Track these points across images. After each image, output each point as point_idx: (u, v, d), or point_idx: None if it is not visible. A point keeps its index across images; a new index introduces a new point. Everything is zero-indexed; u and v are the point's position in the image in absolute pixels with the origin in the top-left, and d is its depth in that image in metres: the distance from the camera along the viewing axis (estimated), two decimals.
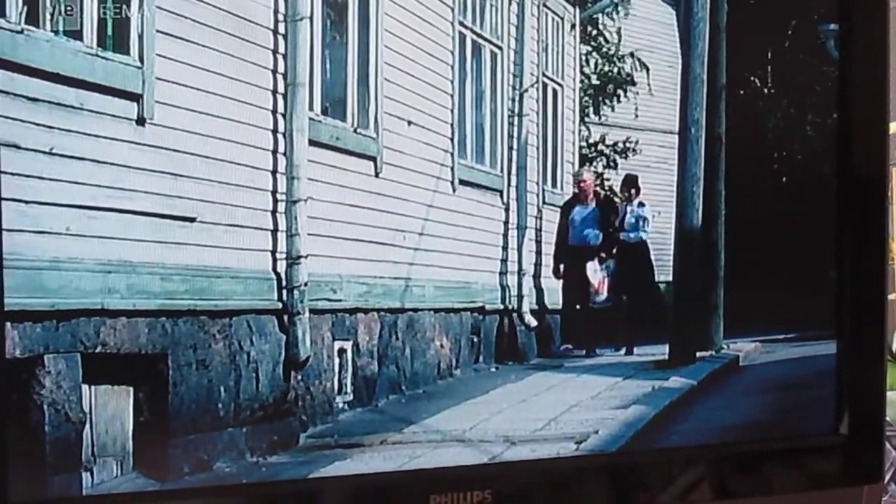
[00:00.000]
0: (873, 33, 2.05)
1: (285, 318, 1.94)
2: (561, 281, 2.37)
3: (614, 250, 2.37)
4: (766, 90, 2.22)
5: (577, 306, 2.34)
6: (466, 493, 1.82)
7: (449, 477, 1.84)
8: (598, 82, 2.33)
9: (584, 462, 1.97)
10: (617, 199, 2.37)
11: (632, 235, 2.35)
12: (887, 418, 2.16)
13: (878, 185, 2.08)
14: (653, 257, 2.31)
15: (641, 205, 2.34)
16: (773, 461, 2.08)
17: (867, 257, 2.09)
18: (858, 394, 2.09)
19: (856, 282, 2.08)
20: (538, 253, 2.38)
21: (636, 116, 2.33)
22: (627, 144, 2.29)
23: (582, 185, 2.36)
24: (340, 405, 2.01)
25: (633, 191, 2.36)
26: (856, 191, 2.08)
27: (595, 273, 2.35)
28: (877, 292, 2.09)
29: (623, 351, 2.31)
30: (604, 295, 2.33)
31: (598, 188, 2.36)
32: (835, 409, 2.09)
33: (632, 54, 2.26)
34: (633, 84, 2.30)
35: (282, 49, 1.93)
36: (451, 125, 2.22)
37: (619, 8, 2.22)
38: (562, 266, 2.38)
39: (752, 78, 2.23)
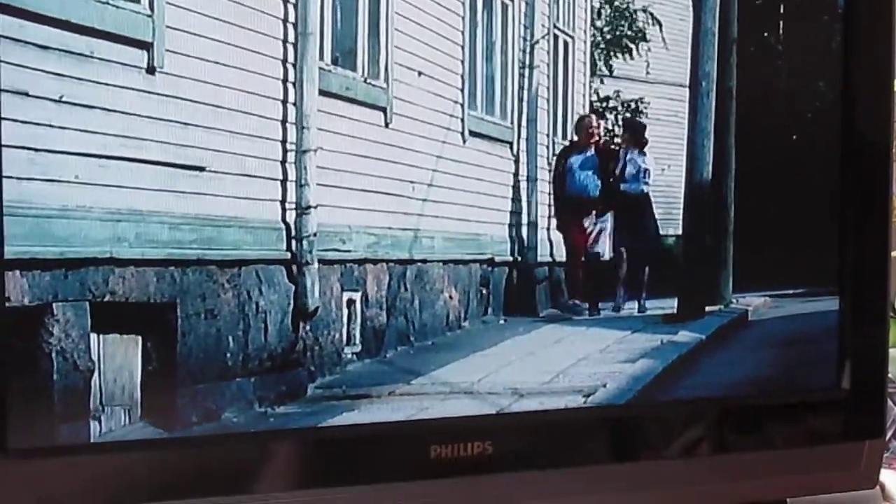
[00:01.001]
0: None
1: (294, 268, 1.93)
2: (561, 234, 2.33)
3: (612, 202, 2.31)
4: (777, 45, 2.19)
5: (580, 259, 2.31)
6: (467, 443, 1.82)
7: (449, 428, 1.84)
8: (609, 36, 2.31)
9: (585, 414, 1.97)
10: (616, 147, 2.31)
11: (632, 187, 2.30)
12: (889, 374, 2.15)
13: (881, 142, 2.06)
14: (656, 210, 2.27)
15: (643, 154, 2.29)
16: (774, 416, 2.08)
17: (869, 214, 2.08)
18: (860, 350, 2.08)
19: (858, 238, 2.07)
20: (548, 205, 2.36)
21: (647, 72, 2.31)
22: (640, 104, 2.27)
23: (586, 130, 2.29)
24: (349, 356, 2.00)
25: (635, 139, 2.30)
26: (858, 147, 2.07)
27: (590, 226, 2.30)
28: (879, 249, 2.08)
29: (636, 307, 2.28)
30: (600, 248, 2.30)
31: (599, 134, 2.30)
32: (836, 365, 2.08)
33: (644, 9, 2.24)
34: (646, 39, 2.27)
35: None
36: (462, 76, 2.21)
37: None
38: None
39: (764, 33, 2.20)
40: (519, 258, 2.29)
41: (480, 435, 1.83)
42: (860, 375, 2.09)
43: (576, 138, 2.29)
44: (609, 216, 2.27)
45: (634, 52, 2.32)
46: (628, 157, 2.29)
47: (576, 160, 2.29)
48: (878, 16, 2.03)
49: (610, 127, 2.29)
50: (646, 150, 2.28)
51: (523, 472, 1.91)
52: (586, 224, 2.28)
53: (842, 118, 2.08)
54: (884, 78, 2.06)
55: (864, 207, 2.08)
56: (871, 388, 2.11)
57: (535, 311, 2.26)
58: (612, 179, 2.30)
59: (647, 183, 2.28)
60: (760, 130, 2.23)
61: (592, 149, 2.29)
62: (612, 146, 2.30)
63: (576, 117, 2.38)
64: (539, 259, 2.33)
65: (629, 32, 2.30)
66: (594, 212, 2.29)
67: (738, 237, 2.24)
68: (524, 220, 2.30)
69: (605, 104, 2.29)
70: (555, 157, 2.29)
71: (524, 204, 2.30)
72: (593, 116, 2.32)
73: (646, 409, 2.03)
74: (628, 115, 2.29)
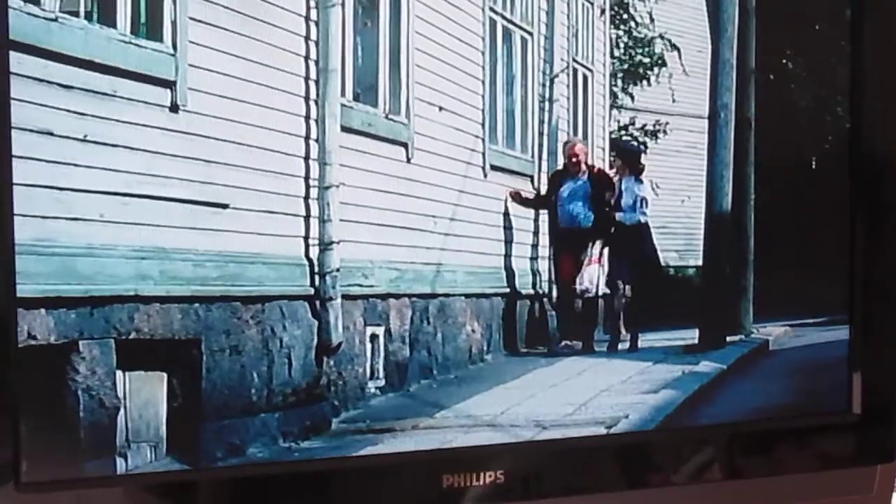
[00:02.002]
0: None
1: (317, 303, 1.93)
2: (553, 268, 2.28)
3: (610, 232, 2.27)
4: (796, 73, 2.18)
5: (572, 296, 2.27)
6: (479, 473, 1.81)
7: (461, 457, 1.83)
8: (627, 65, 2.30)
9: (597, 442, 1.95)
10: (612, 173, 2.27)
11: (628, 217, 2.26)
12: None
13: (892, 169, 2.05)
14: (656, 241, 2.24)
15: (639, 182, 2.24)
16: (786, 441, 2.06)
17: (880, 241, 2.06)
18: (871, 373, 2.06)
19: (869, 260, 2.05)
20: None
21: (666, 101, 2.30)
22: (657, 126, 2.25)
23: (573, 156, 2.25)
24: (372, 390, 1.99)
25: (630, 165, 2.25)
26: (869, 174, 2.05)
27: (584, 259, 2.25)
28: (891, 275, 2.06)
29: (627, 345, 2.26)
30: (592, 284, 2.25)
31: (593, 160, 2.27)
32: (847, 389, 2.06)
33: (661, 36, 2.23)
34: (665, 65, 2.26)
35: (314, 35, 1.90)
36: (482, 110, 2.19)
37: None
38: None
39: (783, 61, 2.19)
40: (540, 291, 2.28)
41: (492, 464, 1.82)
42: (871, 400, 2.07)
43: (566, 162, 2.25)
44: (605, 250, 2.24)
45: (653, 80, 2.31)
46: (624, 185, 2.26)
47: (567, 188, 2.25)
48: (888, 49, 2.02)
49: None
50: (642, 177, 2.25)
51: (535, 500, 1.89)
52: (581, 258, 2.25)
53: (853, 148, 2.07)
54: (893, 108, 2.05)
55: (874, 235, 2.06)
56: (883, 411, 2.09)
57: (557, 343, 2.25)
58: (607, 209, 2.27)
59: (644, 213, 2.24)
60: (780, 158, 2.21)
61: (585, 175, 2.25)
62: (608, 173, 2.27)
63: (597, 150, 2.37)
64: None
65: (646, 60, 2.29)
66: (588, 245, 2.25)
67: (759, 267, 2.22)
68: (545, 252, 2.29)
69: (623, 134, 2.28)
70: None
71: (545, 237, 2.29)
72: (578, 140, 2.30)
73: (657, 436, 2.01)
74: (623, 140, 2.28)
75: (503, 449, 1.86)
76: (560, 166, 2.26)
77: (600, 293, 2.22)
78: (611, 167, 2.25)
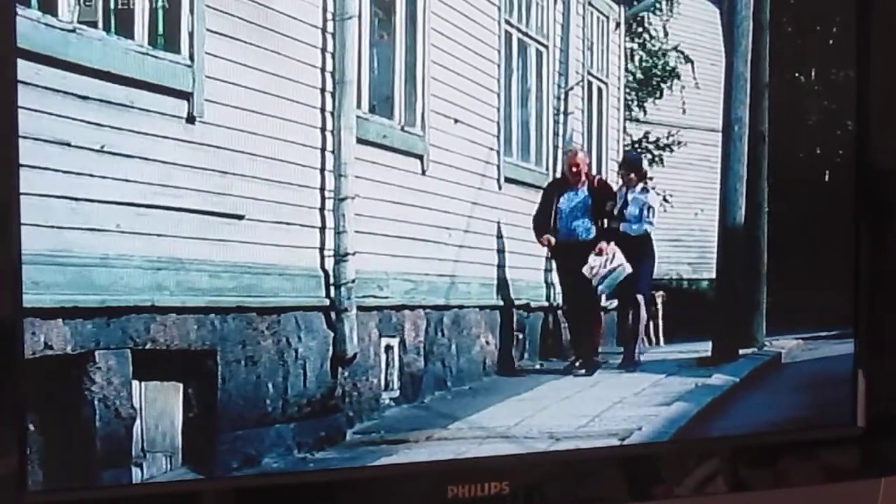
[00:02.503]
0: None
1: (333, 314, 1.92)
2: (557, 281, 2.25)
3: (612, 244, 2.22)
4: (809, 87, 2.17)
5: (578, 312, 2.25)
6: (484, 484, 1.80)
7: (466, 468, 1.82)
8: (642, 77, 2.29)
9: (600, 454, 1.94)
10: (614, 185, 2.25)
11: (634, 227, 2.23)
12: None
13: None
14: (656, 252, 2.20)
15: (645, 190, 2.22)
16: (791, 453, 2.05)
17: (883, 249, 2.05)
18: (876, 387, 2.05)
19: (873, 274, 2.04)
20: None
21: (680, 113, 2.29)
22: (671, 138, 2.25)
23: (573, 165, 2.22)
24: (387, 401, 1.99)
25: (633, 175, 2.24)
26: (872, 189, 2.04)
27: (595, 263, 2.21)
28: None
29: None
30: (612, 265, 2.21)
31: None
32: (852, 402, 2.05)
33: (676, 48, 2.22)
34: (678, 77, 2.26)
35: (330, 47, 1.91)
36: (497, 123, 2.19)
37: (664, 6, 2.18)
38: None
39: (796, 74, 2.18)
40: (554, 303, 2.27)
41: (497, 475, 1.81)
42: (876, 414, 2.06)
43: (565, 172, 2.22)
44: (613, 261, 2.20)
45: (666, 92, 2.30)
46: (630, 195, 2.24)
47: (567, 200, 2.22)
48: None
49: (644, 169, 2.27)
50: (647, 185, 2.23)
51: None
52: (586, 271, 2.21)
53: (859, 161, 2.06)
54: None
55: (877, 249, 2.05)
56: (887, 425, 2.07)
57: (570, 355, 2.24)
58: (609, 221, 2.24)
59: (650, 223, 2.22)
60: (793, 172, 2.20)
61: (585, 187, 2.22)
62: (609, 184, 2.25)
63: (611, 163, 2.36)
64: None
65: (661, 72, 2.29)
66: (594, 254, 2.21)
67: (772, 280, 2.21)
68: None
69: (637, 147, 2.27)
70: (541, 195, 2.21)
71: None
72: (578, 150, 2.28)
73: (663, 449, 2.00)
74: (630, 153, 2.25)
75: (508, 460, 1.85)
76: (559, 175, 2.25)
77: (615, 272, 2.20)
78: (618, 177, 2.24)
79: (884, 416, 2.05)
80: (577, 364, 2.16)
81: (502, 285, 2.17)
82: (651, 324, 2.24)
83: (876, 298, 2.04)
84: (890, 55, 2.02)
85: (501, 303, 2.16)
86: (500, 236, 2.12)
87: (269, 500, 1.73)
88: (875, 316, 2.04)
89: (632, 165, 2.23)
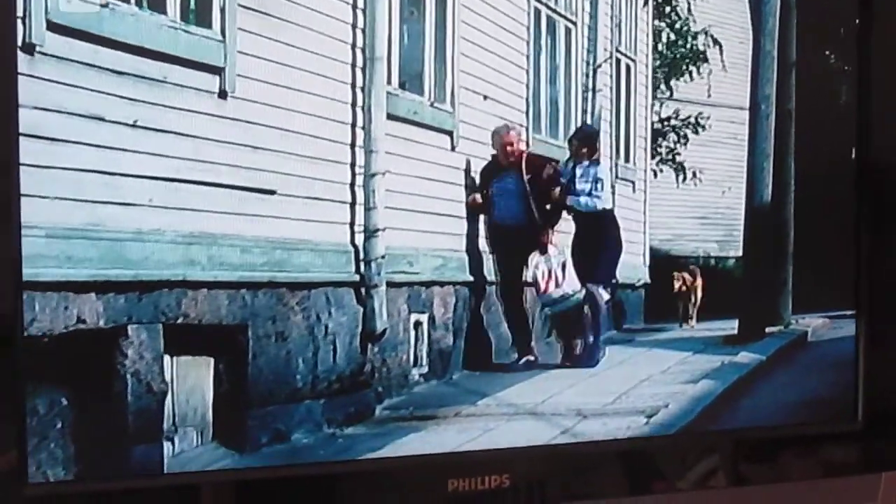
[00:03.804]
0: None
1: (363, 290, 1.92)
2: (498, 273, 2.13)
3: (556, 228, 2.15)
4: (837, 66, 2.15)
5: (522, 307, 2.15)
6: (484, 477, 1.78)
7: (466, 462, 1.80)
8: (670, 57, 2.27)
9: (599, 448, 1.92)
10: (555, 162, 2.16)
11: (583, 201, 2.16)
12: None
13: None
14: (622, 232, 2.14)
15: (596, 162, 2.15)
16: (792, 448, 2.03)
17: (882, 242, 2.03)
18: (877, 381, 2.03)
19: (876, 267, 2.02)
20: None
21: (708, 93, 2.27)
22: (699, 119, 2.23)
23: (507, 145, 2.11)
24: (416, 377, 1.98)
25: (585, 149, 2.16)
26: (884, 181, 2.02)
27: (540, 267, 2.12)
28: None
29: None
30: (563, 290, 2.15)
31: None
32: (853, 398, 2.03)
33: (705, 31, 2.21)
34: (706, 60, 2.24)
35: (360, 24, 1.89)
36: (526, 100, 2.18)
37: None
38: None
39: (826, 52, 2.16)
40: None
41: (497, 469, 1.79)
42: (876, 409, 2.04)
43: (496, 153, 2.11)
44: (563, 249, 2.12)
45: (695, 74, 2.29)
46: (579, 169, 2.16)
47: (499, 183, 2.13)
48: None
49: (672, 146, 2.26)
50: (597, 157, 2.15)
51: None
52: (532, 262, 2.14)
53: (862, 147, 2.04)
54: None
55: (877, 241, 2.03)
56: (887, 421, 2.05)
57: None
58: (553, 202, 2.16)
59: (599, 197, 2.14)
60: (820, 150, 2.18)
61: (520, 168, 2.13)
62: (551, 161, 2.17)
63: (639, 140, 2.35)
64: None
65: (689, 54, 2.27)
66: (537, 252, 2.12)
67: (798, 258, 2.20)
68: None
69: (666, 125, 2.26)
70: (475, 179, 2.11)
71: None
72: (508, 126, 2.13)
73: (663, 443, 1.98)
74: (585, 125, 2.22)
75: (508, 454, 1.83)
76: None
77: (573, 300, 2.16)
78: (573, 153, 2.17)
79: (884, 411, 2.04)
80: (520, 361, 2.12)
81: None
82: (690, 300, 2.21)
83: (877, 295, 2.02)
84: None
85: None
86: None
87: (270, 493, 1.72)
88: (875, 312, 2.02)
89: (586, 138, 2.18)
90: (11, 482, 1.53)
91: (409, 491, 1.80)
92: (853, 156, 2.10)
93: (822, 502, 2.05)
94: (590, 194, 2.15)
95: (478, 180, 2.08)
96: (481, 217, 2.08)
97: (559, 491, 1.88)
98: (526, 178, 2.13)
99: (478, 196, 2.08)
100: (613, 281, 2.17)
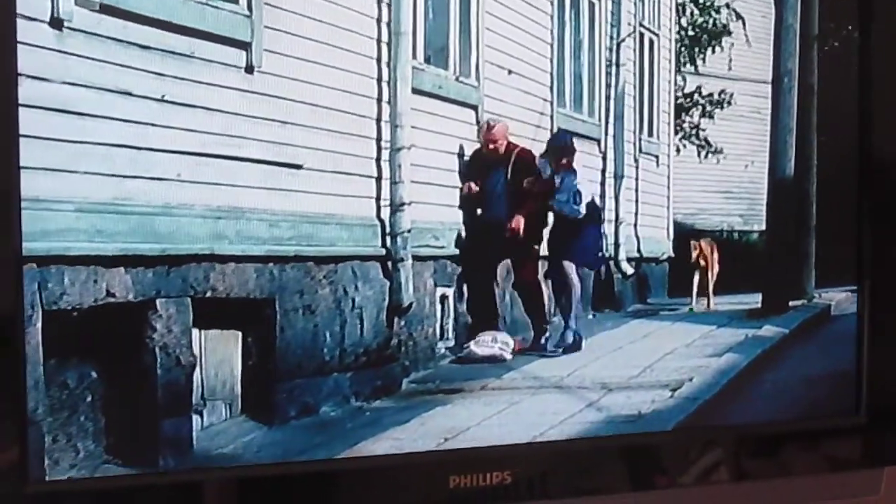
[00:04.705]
0: None
1: (389, 264, 1.91)
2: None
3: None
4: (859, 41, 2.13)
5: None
6: (486, 474, 1.77)
7: (468, 458, 1.79)
8: (693, 33, 2.26)
9: (601, 443, 1.90)
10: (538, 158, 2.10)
11: (567, 209, 2.12)
12: None
13: None
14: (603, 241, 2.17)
15: (572, 172, 2.10)
16: (794, 443, 2.02)
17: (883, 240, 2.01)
18: (880, 376, 2.02)
19: (879, 266, 2.01)
20: (636, 202, 2.32)
21: (730, 67, 2.26)
22: (723, 96, 2.22)
23: (490, 142, 2.06)
24: (442, 351, 1.98)
25: (564, 160, 2.10)
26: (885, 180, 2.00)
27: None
28: None
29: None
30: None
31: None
32: (855, 392, 2.01)
33: (727, 5, 2.19)
34: (729, 34, 2.23)
35: None
36: (551, 74, 2.17)
37: None
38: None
39: (849, 27, 2.14)
40: (607, 254, 2.25)
41: (499, 465, 1.78)
42: (879, 403, 2.02)
43: (481, 147, 2.07)
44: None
45: (717, 48, 2.27)
46: (557, 179, 2.11)
47: (493, 178, 2.09)
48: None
49: (696, 121, 2.25)
50: (574, 166, 2.11)
51: (541, 501, 1.85)
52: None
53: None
54: None
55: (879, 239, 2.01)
56: (890, 415, 2.03)
57: (623, 306, 2.23)
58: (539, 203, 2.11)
59: (578, 210, 2.10)
60: (843, 124, 2.16)
61: (509, 162, 2.08)
62: (531, 158, 2.09)
63: (662, 115, 2.34)
64: (627, 255, 2.30)
65: (713, 28, 2.26)
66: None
67: (821, 232, 2.18)
68: (612, 216, 2.27)
69: (689, 100, 2.25)
70: (464, 166, 2.05)
71: (612, 200, 2.27)
72: (495, 123, 2.06)
73: (665, 438, 1.96)
74: (559, 135, 2.14)
75: (510, 450, 1.82)
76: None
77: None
78: (549, 165, 2.11)
79: (887, 406, 2.02)
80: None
81: None
82: (707, 274, 2.20)
83: (880, 290, 2.00)
84: None
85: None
86: None
87: (271, 492, 1.70)
88: (878, 308, 2.00)
89: (560, 151, 2.12)
90: (12, 480, 1.51)
91: (411, 487, 1.78)
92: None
93: (824, 496, 2.03)
94: (568, 202, 2.12)
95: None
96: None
97: (561, 487, 1.86)
98: (508, 176, 2.09)
99: (473, 185, 2.07)
100: (594, 261, 2.16)
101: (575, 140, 2.18)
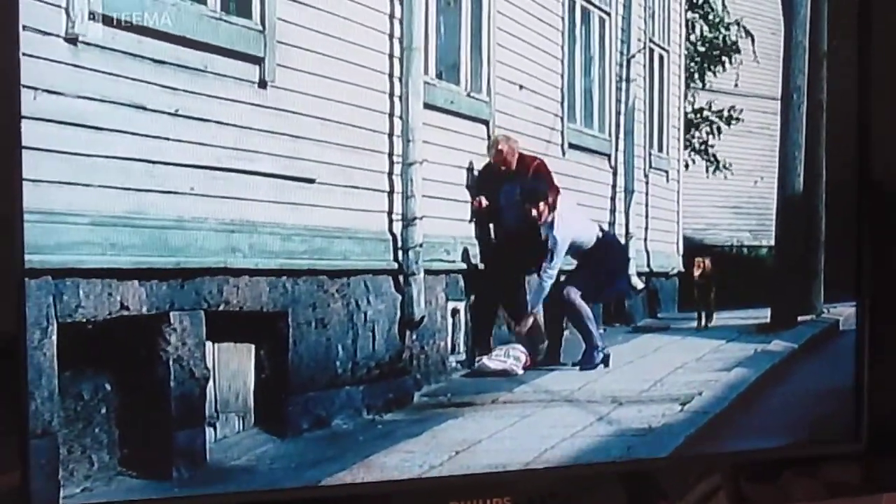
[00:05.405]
0: None
1: (401, 278, 1.91)
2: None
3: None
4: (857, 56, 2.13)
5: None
6: (486, 500, 1.76)
7: (468, 484, 1.78)
8: (703, 48, 2.26)
9: (601, 469, 1.89)
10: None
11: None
12: None
13: None
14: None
15: (551, 227, 2.08)
16: (793, 469, 2.01)
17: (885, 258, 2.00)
18: (879, 403, 2.01)
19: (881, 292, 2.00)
20: (646, 216, 2.32)
21: (736, 84, 2.26)
22: (732, 112, 2.22)
23: (501, 156, 2.06)
24: (453, 364, 1.97)
25: (542, 204, 2.07)
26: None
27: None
28: None
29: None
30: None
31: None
32: (855, 418, 2.00)
33: (737, 22, 2.19)
34: (738, 51, 2.23)
35: (398, 14, 1.88)
36: (561, 90, 2.17)
37: None
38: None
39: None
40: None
41: (499, 491, 1.76)
42: (878, 429, 2.01)
43: (491, 160, 2.07)
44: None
45: (727, 64, 2.27)
46: (543, 231, 2.08)
47: (505, 191, 2.09)
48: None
49: (705, 137, 2.25)
50: (554, 216, 2.08)
51: None
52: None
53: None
54: None
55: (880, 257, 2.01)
56: (889, 441, 2.02)
57: (633, 321, 2.23)
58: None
59: (548, 273, 2.08)
60: (852, 141, 2.16)
61: (517, 179, 2.07)
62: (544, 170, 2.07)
63: (672, 130, 2.34)
64: (637, 270, 2.30)
65: (722, 45, 2.26)
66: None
67: (829, 248, 2.18)
68: (622, 231, 2.27)
69: (699, 116, 2.25)
70: (475, 182, 2.06)
71: (622, 215, 2.27)
72: (503, 140, 2.05)
73: (664, 464, 1.94)
74: (534, 179, 2.07)
75: (510, 475, 1.80)
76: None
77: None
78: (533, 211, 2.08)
79: (885, 432, 2.01)
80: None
81: None
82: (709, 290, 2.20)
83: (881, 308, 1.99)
84: None
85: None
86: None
87: None
88: (879, 324, 1.99)
89: (533, 197, 2.08)
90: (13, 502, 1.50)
91: None
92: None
93: None
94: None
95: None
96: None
97: None
98: (518, 189, 2.08)
99: (483, 199, 2.07)
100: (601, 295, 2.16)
101: (587, 155, 2.18)
